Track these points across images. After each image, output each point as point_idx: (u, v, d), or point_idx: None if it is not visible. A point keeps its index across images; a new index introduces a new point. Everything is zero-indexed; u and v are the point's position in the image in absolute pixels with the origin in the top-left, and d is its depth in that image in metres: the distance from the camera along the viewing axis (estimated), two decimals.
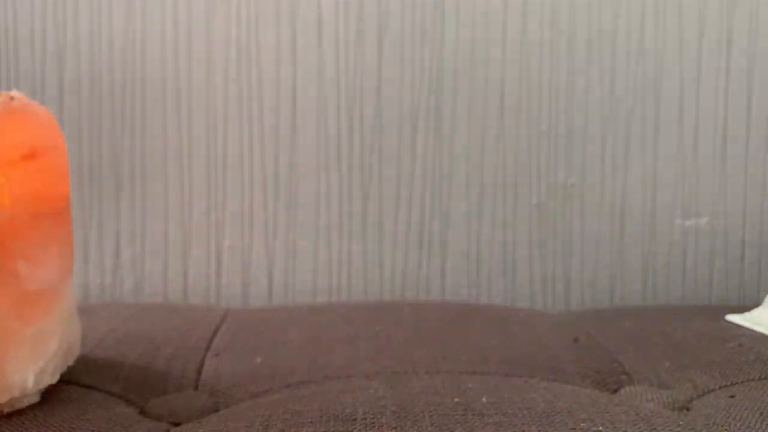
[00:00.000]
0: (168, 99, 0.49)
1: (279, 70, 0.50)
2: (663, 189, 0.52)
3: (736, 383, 0.32)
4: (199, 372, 0.32)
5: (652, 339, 0.38)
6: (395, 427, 0.24)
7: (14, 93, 0.27)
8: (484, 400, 0.27)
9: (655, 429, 0.25)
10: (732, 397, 0.30)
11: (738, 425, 0.26)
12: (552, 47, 0.50)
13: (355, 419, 0.25)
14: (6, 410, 0.26)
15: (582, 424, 0.25)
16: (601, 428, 0.24)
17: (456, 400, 0.27)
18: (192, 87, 0.49)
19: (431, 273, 0.51)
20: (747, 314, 0.44)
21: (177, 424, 0.27)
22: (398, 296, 0.51)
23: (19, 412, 0.26)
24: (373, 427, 0.24)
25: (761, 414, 0.27)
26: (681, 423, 0.26)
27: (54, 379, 0.28)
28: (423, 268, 0.51)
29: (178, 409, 0.28)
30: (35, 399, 0.28)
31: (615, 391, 0.32)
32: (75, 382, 0.30)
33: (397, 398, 0.27)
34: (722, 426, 0.26)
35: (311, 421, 0.25)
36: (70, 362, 0.29)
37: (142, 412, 0.28)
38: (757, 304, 0.48)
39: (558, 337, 0.38)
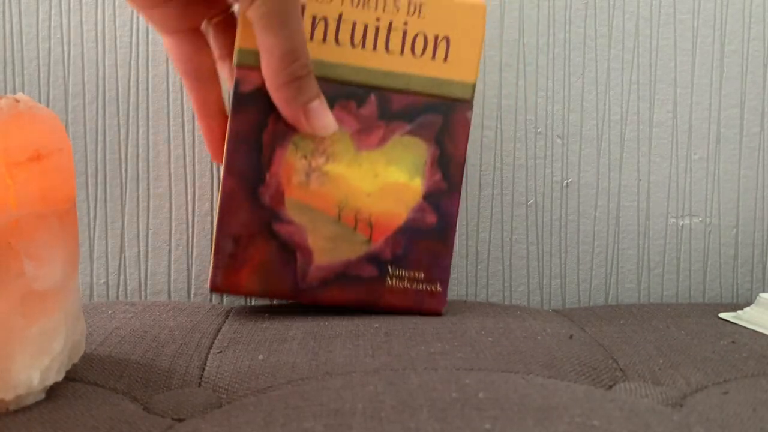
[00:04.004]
0: (171, 100, 0.50)
1: None
2: (657, 189, 0.52)
3: (729, 380, 0.32)
4: (202, 369, 0.32)
5: (646, 336, 0.39)
6: (394, 421, 0.24)
7: (20, 96, 0.27)
8: (481, 395, 0.27)
9: (649, 424, 0.25)
10: (725, 393, 0.30)
11: (731, 421, 0.27)
12: (548, 50, 0.51)
13: (354, 413, 0.25)
14: (12, 407, 0.27)
15: (577, 419, 0.25)
16: (596, 423, 0.25)
17: (454, 395, 0.27)
18: None
19: None
20: (740, 312, 0.44)
21: (181, 420, 0.27)
22: None
23: (24, 409, 0.27)
24: (373, 420, 0.24)
25: (754, 410, 0.28)
26: (675, 419, 0.26)
27: (59, 377, 0.28)
28: None
29: (181, 405, 0.28)
30: (41, 396, 0.28)
31: (610, 387, 0.32)
32: (80, 380, 0.30)
33: (395, 393, 0.27)
34: (715, 422, 0.27)
35: (312, 416, 0.25)
36: (75, 360, 0.30)
37: (147, 409, 0.28)
38: (749, 302, 0.48)
39: (554, 334, 0.38)
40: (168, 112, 0.50)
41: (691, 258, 0.53)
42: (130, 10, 0.49)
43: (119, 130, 0.49)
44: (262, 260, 0.39)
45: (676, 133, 0.53)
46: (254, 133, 0.39)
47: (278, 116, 0.39)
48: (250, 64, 0.39)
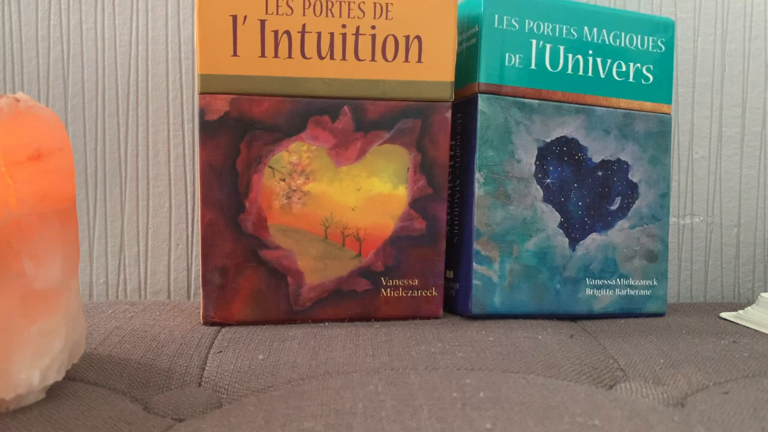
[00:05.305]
0: (171, 100, 0.50)
1: None
2: None
3: (730, 380, 0.32)
4: (202, 369, 0.32)
5: (647, 336, 0.39)
6: (394, 420, 0.24)
7: (20, 95, 0.27)
8: (481, 395, 0.27)
9: (650, 424, 0.25)
10: (726, 393, 0.30)
11: (732, 421, 0.27)
12: None
13: (355, 413, 0.25)
14: (12, 407, 0.26)
15: (578, 419, 0.25)
16: (596, 422, 0.25)
17: (454, 394, 0.27)
18: (194, 89, 0.50)
19: None
20: (741, 312, 0.44)
21: (181, 420, 0.27)
22: None
23: (24, 409, 0.26)
24: (373, 419, 0.24)
25: (755, 410, 0.28)
26: (676, 419, 0.26)
27: (59, 377, 0.28)
28: None
29: (181, 405, 0.28)
30: (41, 396, 0.28)
31: (611, 387, 0.32)
32: (80, 379, 0.30)
33: (396, 393, 0.27)
34: (716, 421, 0.27)
35: (312, 416, 0.25)
36: (75, 360, 0.29)
37: (147, 408, 0.28)
38: (751, 301, 0.48)
39: (554, 333, 0.38)
40: (168, 112, 0.50)
41: (692, 257, 0.53)
42: (129, 10, 0.49)
43: (119, 129, 0.49)
44: (253, 289, 0.39)
45: (678, 132, 0.53)
46: (227, 162, 0.38)
47: (250, 141, 0.38)
48: (213, 90, 0.37)
